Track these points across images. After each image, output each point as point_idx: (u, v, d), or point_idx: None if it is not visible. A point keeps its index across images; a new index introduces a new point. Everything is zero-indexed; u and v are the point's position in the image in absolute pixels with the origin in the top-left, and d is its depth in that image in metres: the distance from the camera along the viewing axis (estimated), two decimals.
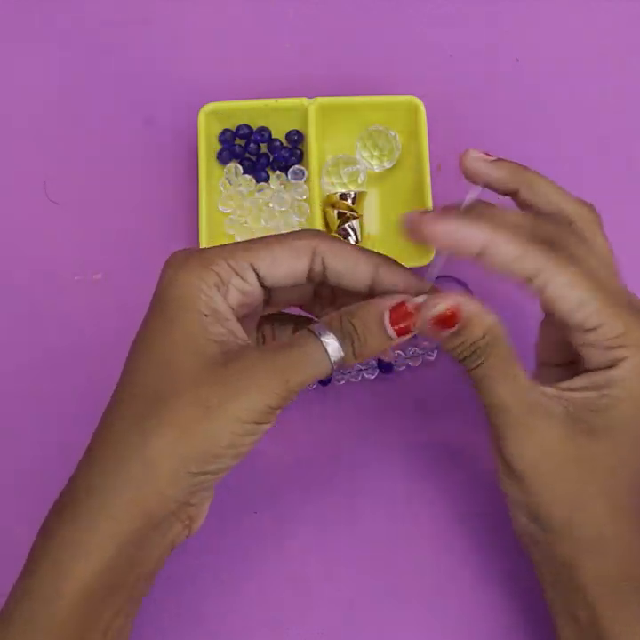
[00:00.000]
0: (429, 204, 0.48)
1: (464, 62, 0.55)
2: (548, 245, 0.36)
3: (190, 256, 0.37)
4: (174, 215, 0.51)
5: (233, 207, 0.50)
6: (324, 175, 0.50)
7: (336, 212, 0.49)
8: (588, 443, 0.36)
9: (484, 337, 0.36)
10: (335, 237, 0.38)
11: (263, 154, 0.52)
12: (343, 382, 0.48)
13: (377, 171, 0.51)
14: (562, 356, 0.40)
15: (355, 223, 0.49)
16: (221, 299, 0.36)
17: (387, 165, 0.51)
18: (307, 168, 0.50)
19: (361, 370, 0.48)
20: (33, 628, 0.34)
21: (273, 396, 0.34)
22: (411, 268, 0.38)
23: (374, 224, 0.51)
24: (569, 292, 0.35)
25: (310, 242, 0.37)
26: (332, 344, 0.35)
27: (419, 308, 0.35)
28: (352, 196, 0.50)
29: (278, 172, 0.51)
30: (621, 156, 0.53)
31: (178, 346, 0.35)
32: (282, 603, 0.46)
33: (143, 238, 0.51)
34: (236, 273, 0.36)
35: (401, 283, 0.37)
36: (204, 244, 0.48)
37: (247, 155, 0.52)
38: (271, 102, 0.50)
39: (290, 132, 0.51)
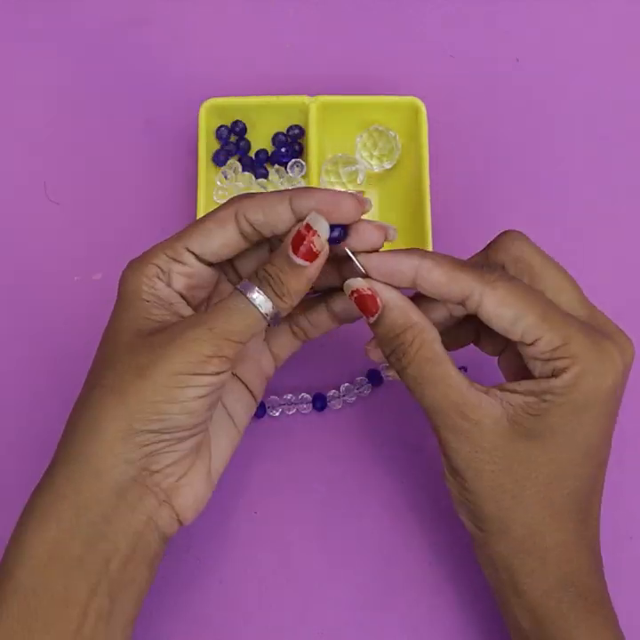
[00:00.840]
0: (428, 205, 0.48)
1: (464, 62, 0.55)
2: (477, 268, 0.37)
3: (137, 258, 0.39)
4: (174, 215, 0.52)
5: (228, 199, 0.50)
6: (323, 174, 0.50)
7: None
8: (525, 446, 0.37)
9: (405, 333, 0.38)
10: (253, 192, 0.39)
11: (262, 149, 0.52)
12: (340, 406, 0.48)
13: (376, 171, 0.51)
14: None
15: None
16: (164, 285, 0.39)
17: (386, 166, 0.51)
18: (306, 166, 0.50)
19: (355, 390, 0.48)
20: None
21: (201, 344, 0.36)
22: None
23: None
24: (502, 311, 0.36)
25: (230, 208, 0.38)
26: (253, 292, 0.37)
27: (309, 226, 0.37)
28: None
29: (277, 167, 0.51)
30: (621, 156, 0.53)
31: (123, 329, 0.38)
32: (282, 603, 0.46)
33: (143, 238, 0.51)
34: (175, 260, 0.39)
35: (315, 203, 0.37)
36: None
37: (241, 149, 0.52)
38: (272, 99, 0.50)
39: (291, 126, 0.51)
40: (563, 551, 0.38)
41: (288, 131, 0.52)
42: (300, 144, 0.52)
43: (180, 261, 0.39)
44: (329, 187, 0.51)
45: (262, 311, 0.37)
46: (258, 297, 0.37)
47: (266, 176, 0.51)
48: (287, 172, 0.51)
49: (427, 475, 0.48)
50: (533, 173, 0.53)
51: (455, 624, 0.46)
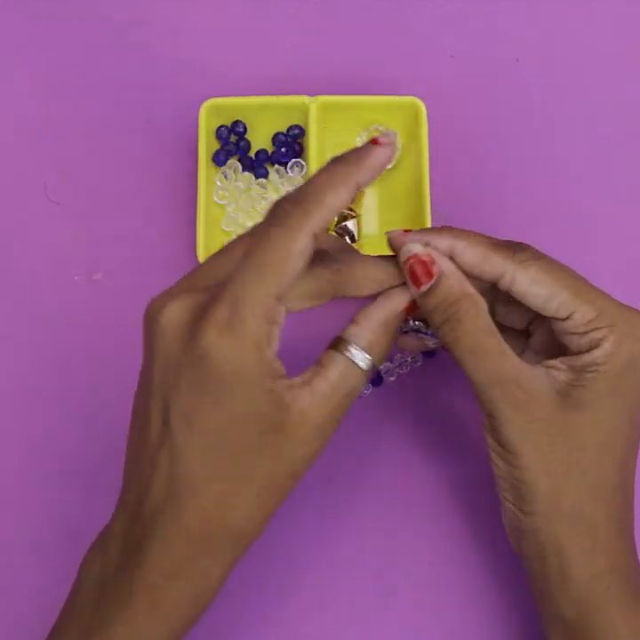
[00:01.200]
0: (428, 205, 0.48)
1: (464, 62, 0.55)
2: (509, 250, 0.38)
3: (238, 328, 0.34)
4: (174, 215, 0.52)
5: (228, 199, 0.50)
6: None
7: None
8: (575, 415, 0.37)
9: (460, 301, 0.37)
10: (310, 203, 0.36)
11: (262, 149, 0.52)
12: None
13: None
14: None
15: (352, 222, 0.49)
16: (274, 358, 0.35)
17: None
18: (306, 166, 0.50)
19: None
20: None
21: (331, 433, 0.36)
22: None
23: (372, 224, 0.51)
24: (535, 290, 0.37)
25: (308, 236, 0.35)
26: (364, 360, 0.36)
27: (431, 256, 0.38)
28: None
29: (277, 167, 0.51)
30: (621, 156, 0.53)
31: (241, 423, 0.35)
32: (282, 603, 0.46)
33: (143, 238, 0.51)
34: (276, 323, 0.35)
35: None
36: (200, 240, 0.48)
37: (241, 149, 0.52)
38: (272, 99, 0.50)
39: (291, 126, 0.51)
40: (611, 531, 0.38)
41: (288, 131, 0.52)
42: (299, 144, 0.52)
43: (278, 322, 0.35)
44: None
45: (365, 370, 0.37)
46: (364, 360, 0.37)
47: (266, 176, 0.51)
48: (287, 172, 0.51)
49: (427, 474, 0.48)
50: (533, 173, 0.53)
51: (455, 624, 0.46)
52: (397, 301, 0.38)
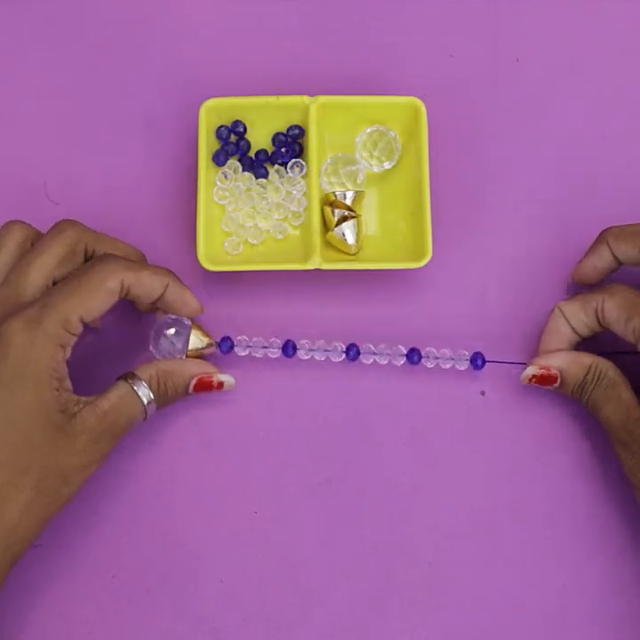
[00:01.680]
0: (428, 205, 0.48)
1: (464, 62, 0.55)
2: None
3: (32, 327, 0.40)
4: (174, 215, 0.52)
5: (228, 199, 0.50)
6: (322, 174, 0.50)
7: (334, 211, 0.49)
8: None
9: (587, 374, 0.44)
10: (132, 263, 0.44)
11: (262, 149, 0.52)
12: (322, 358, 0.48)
13: (376, 171, 0.51)
14: None
15: (352, 223, 0.49)
16: (64, 364, 0.42)
17: (386, 166, 0.51)
18: (306, 166, 0.50)
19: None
20: None
21: (108, 449, 0.43)
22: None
23: (373, 224, 0.51)
24: (617, 313, 0.44)
25: (119, 280, 0.43)
26: (147, 395, 0.44)
27: (221, 383, 0.46)
28: (350, 195, 0.50)
29: (277, 167, 0.51)
30: (622, 157, 0.53)
31: (28, 415, 0.40)
32: (282, 603, 0.46)
33: (143, 238, 0.51)
34: (70, 333, 0.42)
35: (179, 300, 0.46)
36: (200, 240, 0.48)
37: (241, 149, 0.52)
38: (272, 99, 0.50)
39: (291, 126, 0.51)
40: None
41: (288, 131, 0.52)
42: (299, 144, 0.52)
43: (74, 334, 0.42)
44: (329, 187, 0.51)
45: (145, 404, 0.44)
46: (147, 396, 0.44)
47: (266, 176, 0.51)
48: (287, 172, 0.51)
49: (426, 471, 0.48)
50: (533, 174, 0.53)
51: (455, 624, 0.46)
52: (186, 366, 0.46)
